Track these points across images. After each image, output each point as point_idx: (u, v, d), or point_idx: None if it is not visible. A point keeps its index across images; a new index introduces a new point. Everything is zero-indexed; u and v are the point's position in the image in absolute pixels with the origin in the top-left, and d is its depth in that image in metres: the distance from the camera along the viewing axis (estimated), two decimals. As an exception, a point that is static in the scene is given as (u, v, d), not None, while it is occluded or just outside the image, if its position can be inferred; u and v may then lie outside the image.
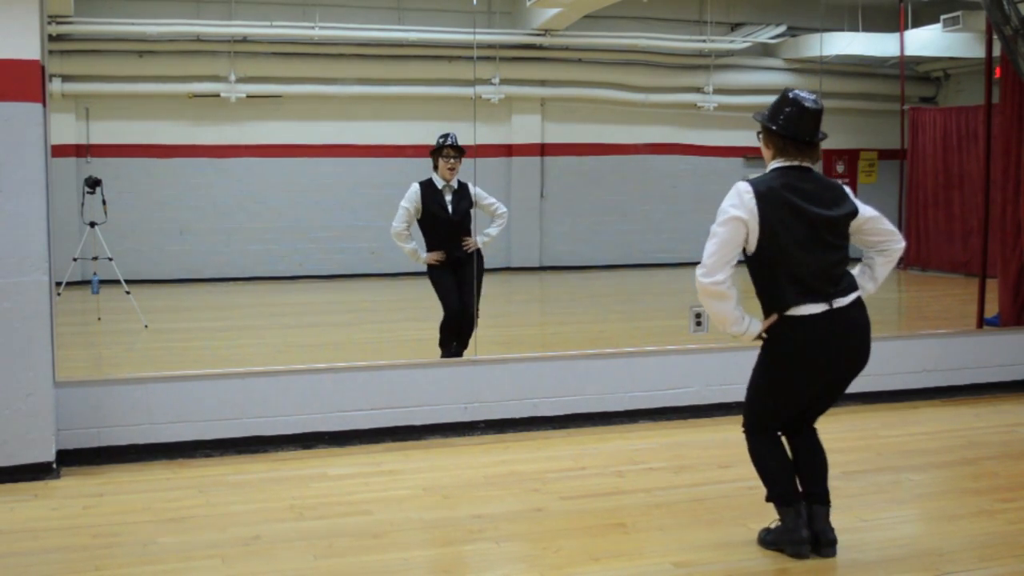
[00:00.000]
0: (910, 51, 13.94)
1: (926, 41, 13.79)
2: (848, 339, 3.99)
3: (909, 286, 13.63)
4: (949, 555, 4.15)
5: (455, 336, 7.07)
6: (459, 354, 6.99)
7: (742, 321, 3.96)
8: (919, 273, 14.26)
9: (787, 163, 3.99)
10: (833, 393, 4.17)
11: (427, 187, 7.06)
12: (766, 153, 4.09)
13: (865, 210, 4.06)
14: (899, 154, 14.54)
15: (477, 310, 7.09)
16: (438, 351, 7.08)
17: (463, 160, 7.09)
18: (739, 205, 3.89)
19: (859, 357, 4.06)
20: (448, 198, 7.06)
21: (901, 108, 14.36)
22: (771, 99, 4.16)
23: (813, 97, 4.02)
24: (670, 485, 5.09)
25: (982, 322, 7.73)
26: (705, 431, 6.17)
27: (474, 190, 7.17)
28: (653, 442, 5.95)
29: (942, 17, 12.81)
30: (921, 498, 5.02)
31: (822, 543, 4.12)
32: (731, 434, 6.07)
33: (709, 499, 4.86)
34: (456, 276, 7.10)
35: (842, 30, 13.91)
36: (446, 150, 7.00)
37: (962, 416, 6.58)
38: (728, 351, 6.55)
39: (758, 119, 4.08)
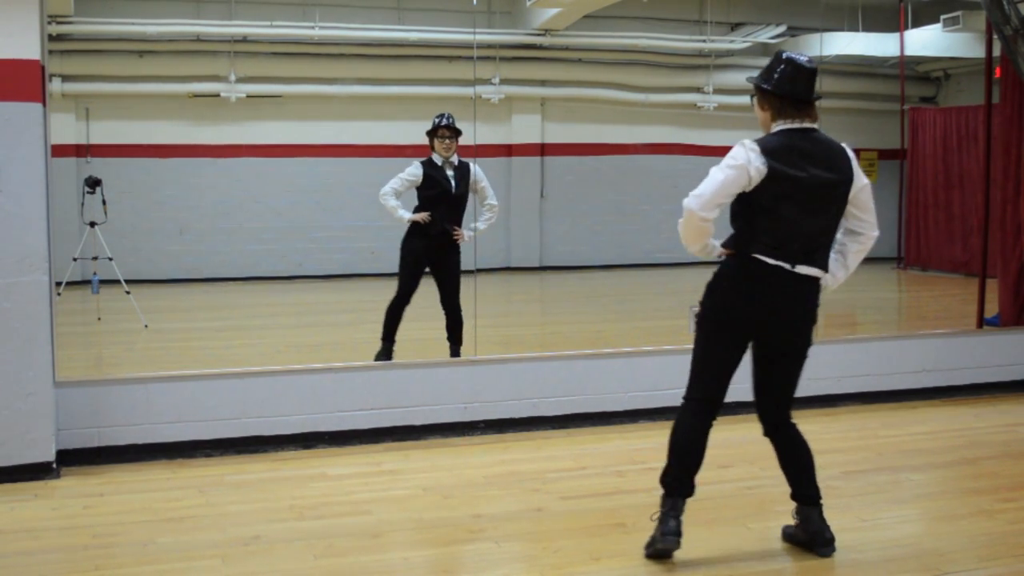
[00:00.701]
0: (910, 51, 13.94)
1: (926, 41, 13.80)
2: (789, 302, 3.94)
3: (909, 286, 13.63)
4: (949, 555, 4.15)
5: (397, 324, 7.06)
6: (456, 354, 7.00)
7: (707, 247, 3.98)
8: (919, 273, 14.26)
9: (790, 124, 3.94)
10: (775, 367, 4.08)
11: (428, 163, 7.15)
12: (763, 116, 4.02)
13: (860, 179, 4.00)
14: (899, 154, 14.55)
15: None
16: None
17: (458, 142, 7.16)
18: (746, 158, 3.85)
19: (795, 328, 4.00)
20: (450, 173, 7.12)
21: (901, 108, 14.37)
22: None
23: (807, 57, 3.98)
24: (670, 485, 5.08)
25: (982, 322, 7.73)
26: (705, 431, 6.16)
27: (474, 169, 7.21)
28: (653, 442, 5.93)
29: (942, 17, 12.82)
30: (921, 498, 5.02)
31: (819, 543, 4.10)
32: (731, 434, 6.07)
33: (709, 499, 4.84)
34: (433, 267, 7.12)
35: (842, 30, 13.92)
36: (441, 131, 7.08)
37: (962, 416, 6.58)
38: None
39: (752, 81, 4.02)
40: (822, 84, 4.12)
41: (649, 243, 14.54)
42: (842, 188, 3.95)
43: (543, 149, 14.48)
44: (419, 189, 7.14)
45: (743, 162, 3.84)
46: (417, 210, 7.16)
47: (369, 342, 7.19)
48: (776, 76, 3.94)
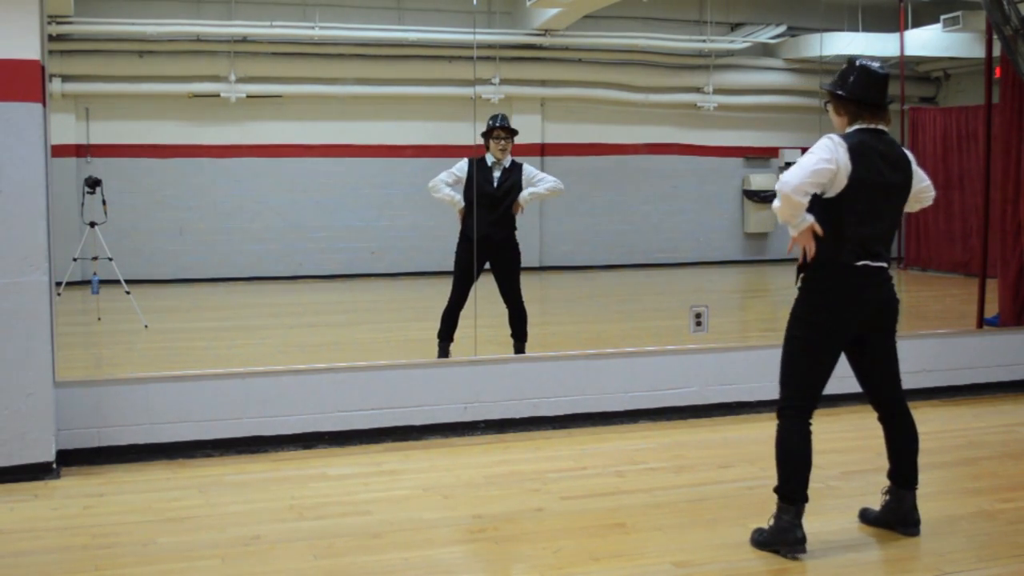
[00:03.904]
0: (910, 51, 13.93)
1: (926, 41, 13.79)
2: (881, 294, 4.20)
3: (909, 286, 13.62)
4: (949, 555, 4.16)
5: (454, 329, 7.10)
6: (520, 350, 7.04)
7: (801, 214, 4.03)
8: (919, 273, 14.25)
9: (865, 125, 4.10)
10: (877, 352, 4.27)
11: (479, 162, 7.18)
12: (839, 121, 4.19)
13: (920, 176, 4.24)
14: (899, 154, 14.53)
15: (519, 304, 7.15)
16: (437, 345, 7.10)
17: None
18: (833, 156, 3.99)
19: (889, 312, 4.26)
20: (496, 174, 7.16)
21: (901, 108, 14.36)
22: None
23: (879, 63, 4.16)
24: (670, 485, 5.09)
25: (982, 322, 7.72)
26: (705, 431, 6.17)
27: (526, 168, 7.25)
28: (653, 442, 5.95)
29: (942, 17, 12.81)
30: (921, 498, 5.00)
31: (907, 523, 4.30)
32: (731, 434, 6.08)
33: (709, 499, 4.86)
34: (492, 265, 7.15)
35: (842, 30, 13.91)
36: (496, 132, 7.13)
37: (962, 416, 6.58)
38: (728, 351, 6.54)
39: (827, 87, 4.19)
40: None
41: (649, 243, 14.52)
42: (908, 190, 4.21)
43: (543, 149, 14.46)
44: (465, 189, 7.14)
45: (835, 157, 3.98)
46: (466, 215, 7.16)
47: (369, 342, 7.20)
48: (851, 82, 4.10)
